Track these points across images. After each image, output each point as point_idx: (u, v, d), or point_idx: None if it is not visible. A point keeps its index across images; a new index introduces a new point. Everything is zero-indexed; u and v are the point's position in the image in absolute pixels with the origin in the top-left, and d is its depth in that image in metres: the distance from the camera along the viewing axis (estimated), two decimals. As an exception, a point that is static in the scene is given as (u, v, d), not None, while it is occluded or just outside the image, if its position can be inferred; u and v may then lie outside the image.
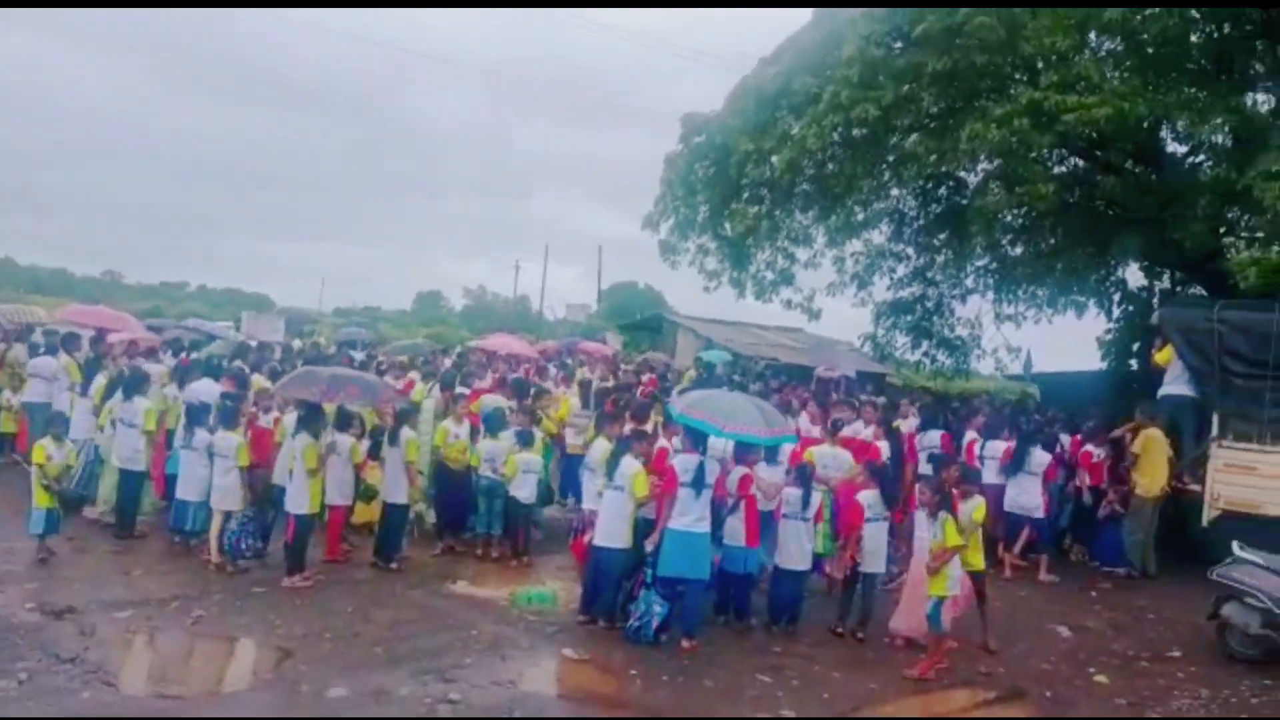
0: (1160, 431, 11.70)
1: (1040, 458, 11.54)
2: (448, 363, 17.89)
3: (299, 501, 8.90)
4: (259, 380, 12.05)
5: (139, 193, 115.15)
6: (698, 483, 7.78)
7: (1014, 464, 11.45)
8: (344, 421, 9.71)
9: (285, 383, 9.69)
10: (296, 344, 21.62)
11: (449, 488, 10.52)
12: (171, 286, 69.89)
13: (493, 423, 10.60)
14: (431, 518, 10.86)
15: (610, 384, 15.77)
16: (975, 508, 8.02)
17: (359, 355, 18.56)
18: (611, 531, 8.17)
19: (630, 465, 8.19)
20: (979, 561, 8.19)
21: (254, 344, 18.76)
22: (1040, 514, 11.38)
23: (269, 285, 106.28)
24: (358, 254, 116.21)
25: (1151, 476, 11.54)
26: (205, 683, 6.84)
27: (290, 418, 9.70)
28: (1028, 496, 11.34)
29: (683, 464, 7.96)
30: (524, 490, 10.25)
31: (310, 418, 9.14)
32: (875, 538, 8.42)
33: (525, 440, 10.47)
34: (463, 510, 10.50)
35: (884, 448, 10.94)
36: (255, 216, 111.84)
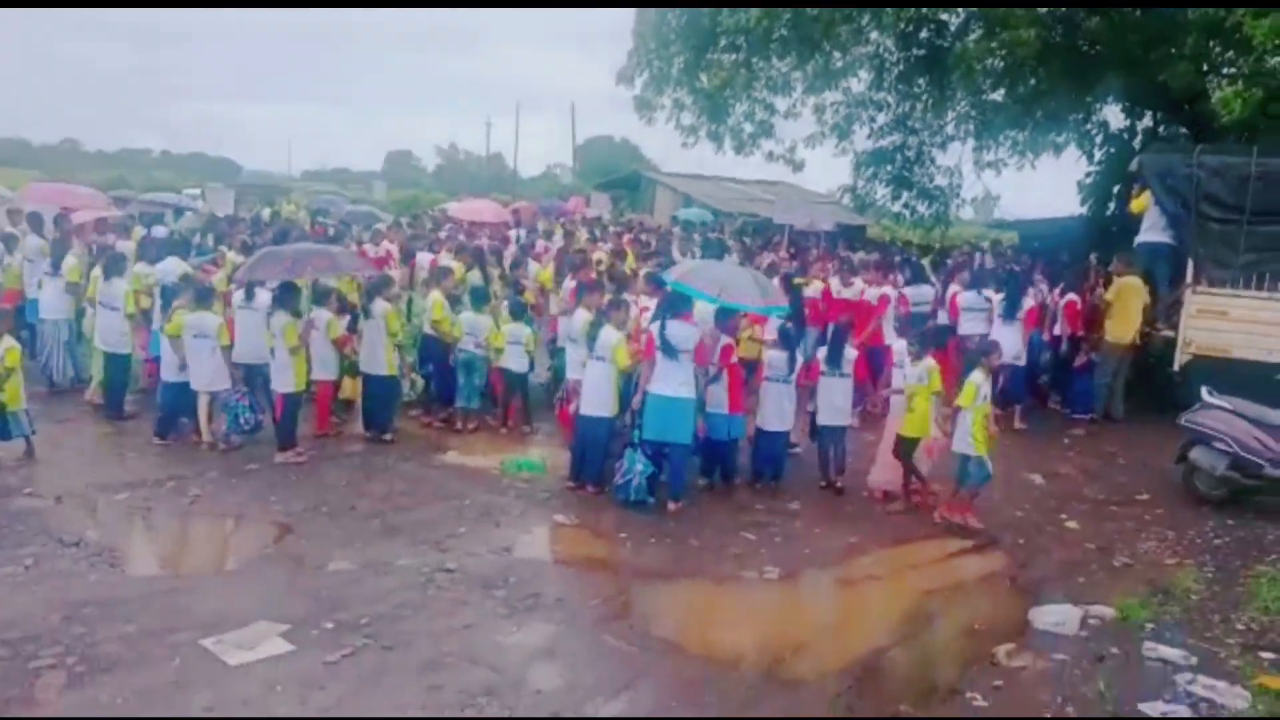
0: (1137, 279, 11.78)
1: (1024, 304, 11.65)
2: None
3: (284, 380, 8.96)
4: (231, 256, 11.91)
5: (91, 56, 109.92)
6: (667, 349, 7.85)
7: (1005, 311, 11.54)
8: (319, 297, 9.67)
9: (248, 266, 9.53)
10: (266, 213, 21.23)
11: (439, 360, 10.54)
12: (134, 153, 68.10)
13: (477, 295, 10.57)
14: (420, 387, 10.90)
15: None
16: (929, 370, 8.20)
17: (331, 224, 18.31)
18: (596, 400, 8.32)
19: (611, 335, 8.26)
20: (920, 427, 8.26)
21: (221, 215, 18.44)
22: (1022, 362, 11.56)
23: (234, 149, 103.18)
24: (322, 112, 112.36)
25: (1124, 323, 11.68)
26: (209, 562, 7.06)
27: (265, 296, 9.61)
28: (1011, 344, 11.46)
29: (656, 330, 8.01)
30: (513, 361, 10.32)
31: (286, 296, 9.08)
32: (775, 397, 8.59)
33: (516, 311, 10.46)
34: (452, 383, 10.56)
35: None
36: (214, 78, 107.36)
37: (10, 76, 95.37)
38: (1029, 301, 11.76)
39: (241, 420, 9.19)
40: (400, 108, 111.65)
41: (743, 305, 8.27)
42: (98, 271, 10.19)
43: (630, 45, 18.60)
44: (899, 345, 8.87)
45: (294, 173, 64.57)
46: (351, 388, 10.26)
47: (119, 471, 8.36)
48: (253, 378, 9.46)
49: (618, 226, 21.49)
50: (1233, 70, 13.78)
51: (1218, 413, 8.81)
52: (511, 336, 10.24)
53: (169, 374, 9.28)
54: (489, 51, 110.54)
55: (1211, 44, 13.02)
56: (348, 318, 9.95)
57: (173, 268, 10.60)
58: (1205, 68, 13.61)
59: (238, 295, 9.82)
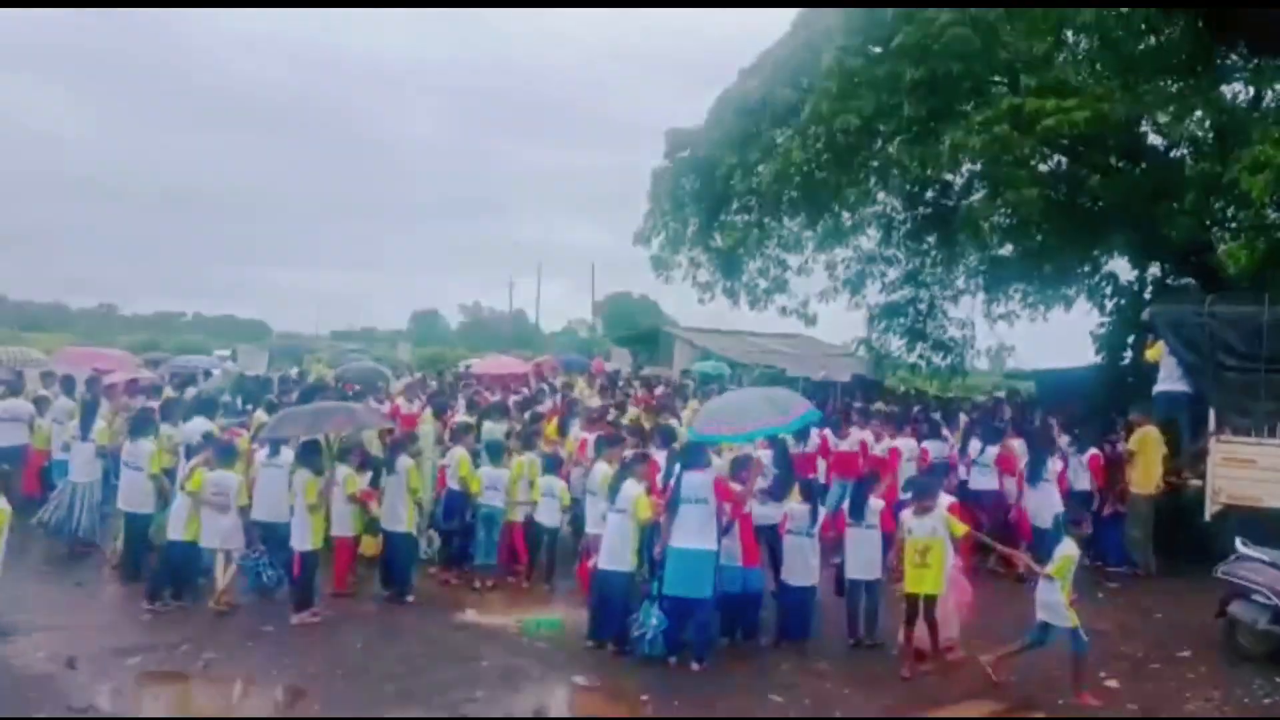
0: (1155, 429, 11.74)
1: (1053, 465, 11.55)
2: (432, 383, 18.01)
3: (302, 537, 8.93)
4: (259, 416, 12.11)
5: (128, 224, 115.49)
6: (687, 499, 7.81)
7: (1032, 474, 11.44)
8: (343, 453, 9.77)
9: (271, 425, 9.72)
10: (294, 372, 21.63)
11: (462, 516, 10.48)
12: (168, 317, 70.10)
13: (494, 449, 10.64)
14: (437, 545, 10.83)
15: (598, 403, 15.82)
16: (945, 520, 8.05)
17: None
18: (615, 554, 8.23)
19: (633, 488, 8.25)
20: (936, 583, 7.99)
21: (251, 375, 18.86)
22: (1046, 522, 11.36)
23: (264, 311, 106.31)
24: (351, 277, 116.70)
25: (1147, 473, 11.57)
26: (219, 728, 6.88)
27: (290, 453, 9.71)
28: (1050, 506, 11.24)
29: (689, 481, 7.98)
30: (546, 515, 10.27)
31: (307, 453, 9.19)
32: (796, 550, 8.44)
33: (550, 465, 10.49)
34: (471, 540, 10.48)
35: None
36: (245, 243, 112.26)
37: (52, 245, 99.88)
38: (1055, 464, 11.65)
39: (265, 578, 9.13)
40: (427, 270, 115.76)
41: (772, 428, 8.21)
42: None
43: (646, 208, 19.36)
44: (793, 508, 8.64)
45: (322, 333, 66.18)
46: (370, 545, 10.21)
47: (134, 635, 8.25)
48: (271, 536, 9.44)
49: (635, 380, 21.75)
50: (1234, 224, 14.15)
51: (1255, 564, 8.57)
52: (545, 490, 10.24)
53: (176, 533, 9.11)
54: (513, 217, 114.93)
55: (1211, 199, 13.40)
56: (369, 474, 10.01)
57: (199, 427, 10.75)
58: (1208, 221, 13.96)
59: (261, 453, 9.94)
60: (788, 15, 17.03)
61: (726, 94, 17.64)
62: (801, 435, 12.86)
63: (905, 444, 12.38)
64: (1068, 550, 7.47)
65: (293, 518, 9.06)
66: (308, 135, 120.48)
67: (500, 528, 10.25)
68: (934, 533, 7.83)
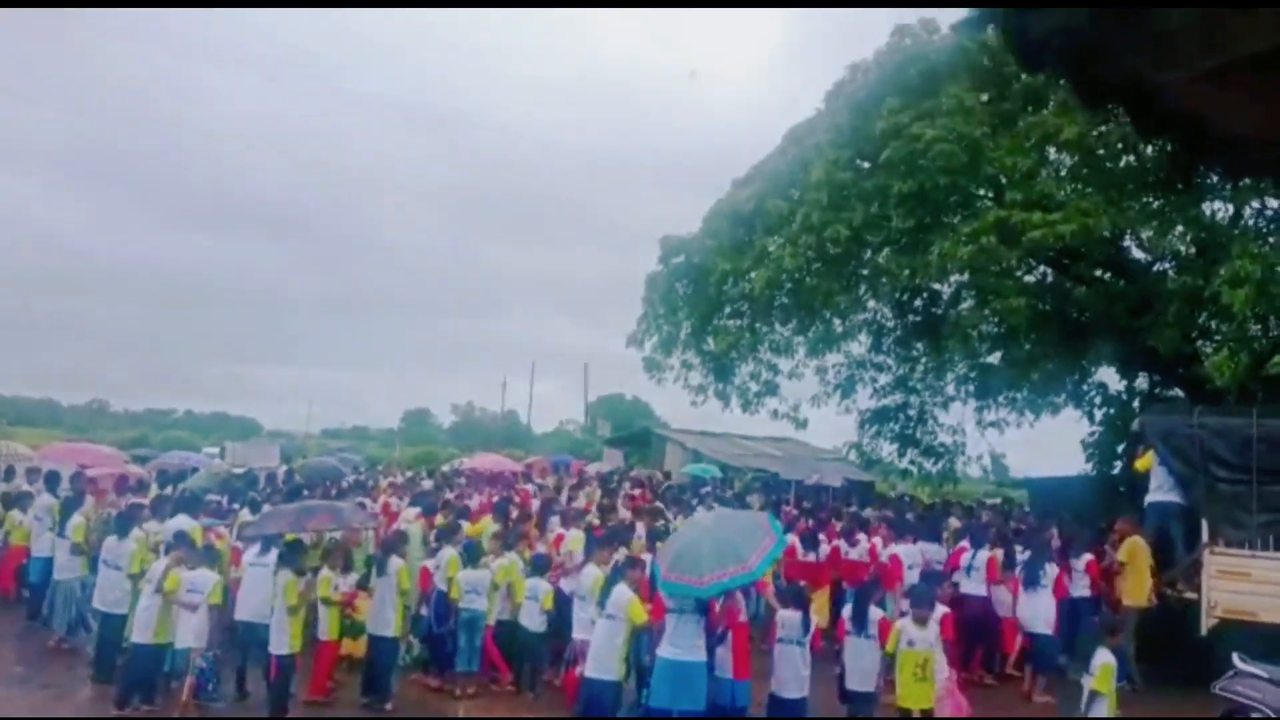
0: (1142, 539, 11.67)
1: (1050, 571, 11.41)
2: (428, 484, 17.87)
3: (280, 640, 8.69)
4: (244, 515, 11.96)
5: (122, 321, 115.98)
6: (698, 609, 7.63)
7: (1028, 579, 11.31)
8: (326, 553, 9.59)
9: (256, 523, 9.64)
10: (281, 470, 21.43)
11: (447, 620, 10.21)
12: (158, 413, 69.71)
13: (472, 551, 10.44)
14: (416, 650, 10.53)
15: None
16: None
17: (349, 478, 18.43)
18: (602, 662, 8.01)
19: (624, 593, 8.08)
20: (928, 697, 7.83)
21: (239, 472, 18.70)
22: (1052, 630, 11.19)
23: (255, 408, 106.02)
24: (343, 376, 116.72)
25: (1139, 584, 11.43)
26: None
27: (252, 553, 9.56)
28: (1045, 612, 11.12)
29: (665, 590, 7.83)
30: (529, 619, 10.03)
31: (291, 553, 9.02)
32: (786, 660, 8.12)
33: (538, 567, 10.30)
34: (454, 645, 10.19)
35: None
36: (239, 340, 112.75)
37: (46, 340, 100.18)
38: (1053, 568, 11.52)
39: (209, 686, 8.82)
40: (419, 370, 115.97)
41: (729, 583, 7.50)
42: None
43: (640, 311, 19.61)
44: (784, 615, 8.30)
45: (313, 430, 65.85)
46: (353, 647, 9.92)
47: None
48: (253, 637, 9.18)
49: (627, 481, 21.58)
50: (1218, 337, 14.34)
51: (1253, 680, 8.38)
52: (529, 592, 10.01)
53: (143, 635, 8.80)
54: (506, 318, 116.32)
55: (1194, 312, 13.64)
56: (353, 576, 9.80)
57: (180, 525, 10.58)
58: (1192, 333, 14.17)
59: (250, 551, 9.79)
60: (779, 128, 17.62)
61: (720, 204, 18.12)
62: (810, 544, 12.76)
63: (905, 550, 12.22)
64: (1106, 660, 7.20)
65: (272, 619, 8.84)
66: (302, 235, 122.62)
67: (482, 632, 9.99)
68: (929, 645, 7.69)
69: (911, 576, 11.42)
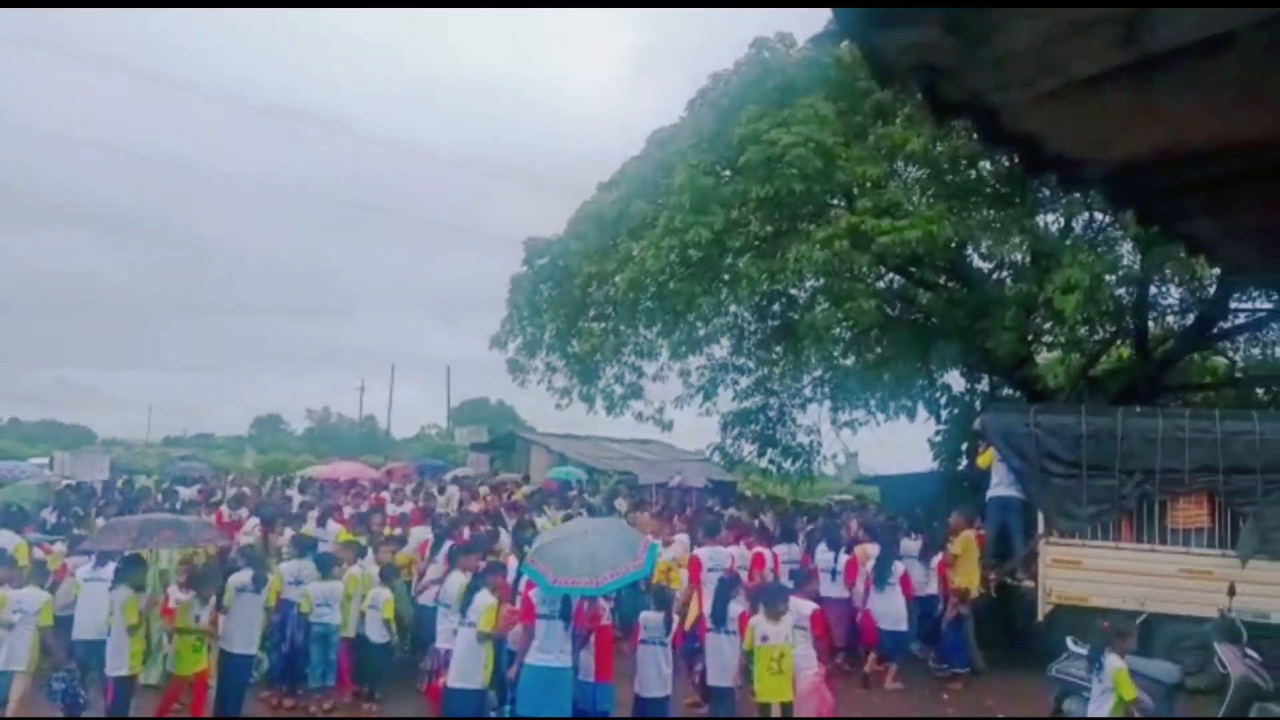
0: (973, 532, 12.38)
1: (897, 569, 11.86)
2: (293, 494, 17.18)
3: (118, 661, 8.15)
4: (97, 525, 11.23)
5: None
6: (564, 614, 7.58)
7: (878, 579, 11.71)
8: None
9: (95, 536, 9.04)
10: (121, 481, 20.14)
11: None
12: (-22, 421, 64.34)
13: (323, 562, 10.06)
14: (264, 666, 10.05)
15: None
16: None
17: (189, 492, 17.46)
18: (464, 671, 7.86)
19: (484, 599, 7.96)
20: (786, 691, 8.02)
21: (70, 484, 17.46)
22: (903, 628, 11.65)
23: (89, 416, 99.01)
24: (185, 380, 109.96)
25: (971, 574, 12.07)
26: None
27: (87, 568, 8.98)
28: (895, 610, 11.57)
29: (543, 595, 7.75)
30: (371, 630, 9.74)
31: (129, 569, 8.47)
32: (649, 659, 8.23)
33: (386, 577, 10.00)
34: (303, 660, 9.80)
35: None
36: (67, 343, 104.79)
37: None
38: (900, 566, 11.98)
39: (80, 699, 8.30)
40: (268, 374, 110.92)
41: (625, 578, 7.73)
42: None
43: (504, 314, 19.39)
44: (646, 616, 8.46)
45: (154, 439, 62.11)
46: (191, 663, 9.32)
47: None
48: (95, 656, 8.57)
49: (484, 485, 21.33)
50: (1050, 339, 15.34)
51: (1084, 662, 8.95)
52: (371, 601, 9.73)
53: None
54: (362, 322, 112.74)
55: (1030, 316, 14.51)
56: (191, 593, 9.23)
57: (6, 541, 9.82)
58: (1029, 337, 15.09)
59: (84, 567, 9.16)
60: (640, 134, 17.76)
61: (585, 206, 18.10)
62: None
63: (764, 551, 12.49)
64: (1116, 665, 7.28)
65: (109, 638, 8.27)
66: (142, 234, 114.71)
67: (336, 646, 9.65)
68: (786, 639, 7.88)
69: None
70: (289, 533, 11.56)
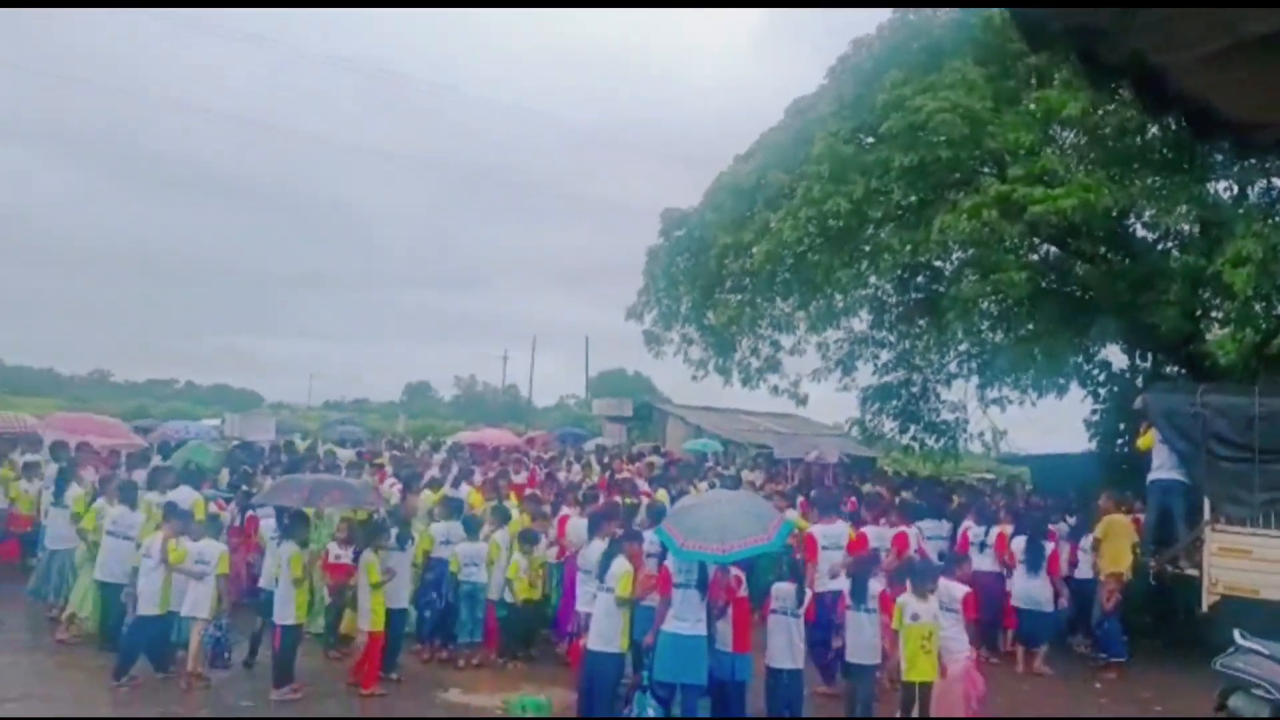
0: (1123, 516, 11.81)
1: (1047, 549, 11.48)
2: (436, 458, 17.94)
3: (285, 611, 8.78)
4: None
5: (112, 293, 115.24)
6: (700, 583, 7.70)
7: (1029, 559, 11.38)
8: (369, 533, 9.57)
9: (268, 493, 9.68)
10: (284, 442, 21.42)
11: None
12: (159, 384, 69.65)
13: (471, 524, 10.50)
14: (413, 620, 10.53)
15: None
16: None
17: (348, 453, 18.46)
18: (604, 634, 8.08)
19: (620, 566, 8.15)
20: (932, 671, 7.85)
21: (239, 444, 18.76)
22: (1050, 608, 11.29)
23: (256, 381, 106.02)
24: (339, 349, 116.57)
25: (1114, 559, 11.53)
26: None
27: (268, 525, 9.65)
28: (1041, 590, 11.26)
29: (679, 564, 7.88)
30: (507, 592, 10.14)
31: (295, 525, 9.09)
32: (784, 631, 8.18)
33: (525, 540, 10.37)
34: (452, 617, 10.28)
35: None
36: (232, 313, 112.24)
37: (41, 311, 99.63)
38: (1049, 547, 11.57)
39: (225, 655, 9.01)
40: (418, 343, 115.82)
41: (754, 550, 7.69)
42: (100, 503, 10.16)
43: (640, 285, 19.58)
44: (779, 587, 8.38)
45: (315, 403, 65.97)
46: (350, 621, 9.98)
47: (110, 708, 8.05)
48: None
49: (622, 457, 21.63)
50: (1220, 314, 14.30)
51: (1254, 657, 8.42)
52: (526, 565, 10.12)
53: (150, 607, 8.84)
54: (503, 292, 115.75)
55: (1197, 290, 13.60)
56: (351, 550, 9.84)
57: (185, 497, 10.63)
58: (1196, 312, 14.11)
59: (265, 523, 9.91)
60: (780, 101, 17.53)
61: (722, 176, 18.02)
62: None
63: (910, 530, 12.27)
64: None
65: (277, 590, 8.92)
66: (283, 207, 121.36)
67: (483, 605, 10.09)
68: (935, 618, 7.73)
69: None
70: (425, 494, 12.01)
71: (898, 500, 14.10)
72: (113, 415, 21.34)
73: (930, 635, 7.75)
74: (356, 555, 9.66)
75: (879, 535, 11.18)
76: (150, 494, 10.89)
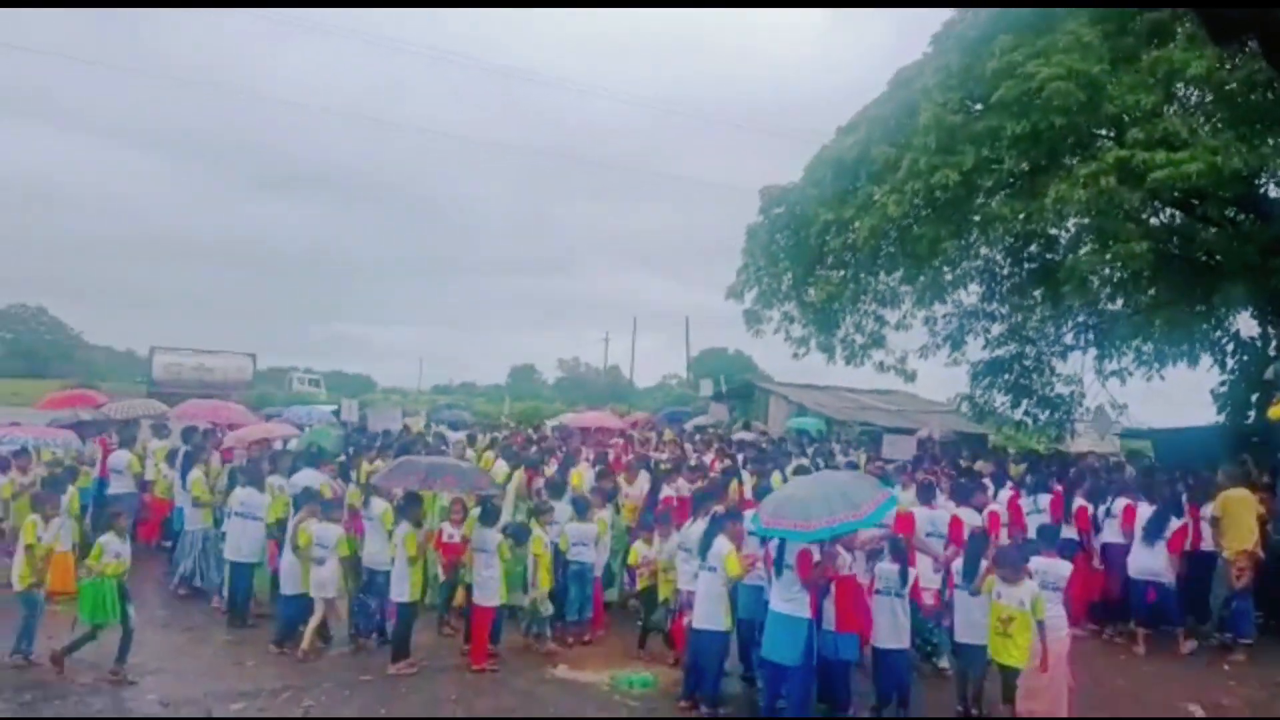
0: (1245, 490, 11.20)
1: (1172, 524, 10.98)
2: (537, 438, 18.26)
3: (400, 589, 9.09)
4: (366, 466, 12.48)
5: (225, 286, 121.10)
6: (777, 563, 7.67)
7: (1153, 530, 10.92)
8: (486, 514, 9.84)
9: (385, 474, 9.98)
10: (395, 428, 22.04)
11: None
12: (279, 371, 72.70)
13: (580, 505, 10.65)
14: (548, 609, 10.65)
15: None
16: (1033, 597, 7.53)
17: (456, 435, 18.92)
18: (708, 614, 8.11)
19: (723, 545, 8.15)
20: (1020, 656, 7.58)
21: (354, 428, 19.45)
22: (1168, 579, 10.81)
23: (369, 367, 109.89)
24: (443, 334, 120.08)
25: (1236, 537, 10.93)
26: (317, 776, 6.99)
27: (380, 505, 9.96)
28: (1158, 561, 10.79)
29: (773, 541, 7.85)
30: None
31: (410, 506, 9.38)
32: (888, 611, 8.02)
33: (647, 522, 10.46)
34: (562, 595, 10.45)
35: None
36: (335, 303, 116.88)
37: (172, 304, 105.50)
38: (1175, 522, 11.06)
39: (362, 627, 9.42)
40: (519, 328, 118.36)
41: (838, 528, 7.38)
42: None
43: (739, 264, 19.45)
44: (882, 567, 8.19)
45: (424, 388, 67.91)
46: (463, 597, 10.25)
47: (237, 680, 8.49)
48: (372, 582, 9.68)
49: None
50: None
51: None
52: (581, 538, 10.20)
53: (291, 587, 9.43)
54: (594, 273, 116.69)
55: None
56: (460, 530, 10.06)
57: (308, 479, 11.09)
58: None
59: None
60: (880, 75, 17.07)
61: (823, 151, 17.73)
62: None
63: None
64: None
65: (393, 569, 9.25)
66: (369, 196, 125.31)
67: (591, 583, 10.24)
68: (1020, 604, 7.44)
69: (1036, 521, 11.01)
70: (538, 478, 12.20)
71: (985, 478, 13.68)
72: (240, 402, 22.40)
73: (1009, 620, 7.46)
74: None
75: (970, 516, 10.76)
76: (272, 477, 11.43)
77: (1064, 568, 8.31)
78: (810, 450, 18.41)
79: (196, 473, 11.59)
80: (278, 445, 14.40)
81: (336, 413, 23.27)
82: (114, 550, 8.36)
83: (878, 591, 8.21)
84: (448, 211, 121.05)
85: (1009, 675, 7.64)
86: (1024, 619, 7.42)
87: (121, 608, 8.27)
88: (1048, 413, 20.40)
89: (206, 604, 10.93)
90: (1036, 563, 8.18)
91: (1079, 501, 12.03)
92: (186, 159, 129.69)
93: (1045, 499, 12.09)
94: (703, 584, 8.22)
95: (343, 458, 13.53)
